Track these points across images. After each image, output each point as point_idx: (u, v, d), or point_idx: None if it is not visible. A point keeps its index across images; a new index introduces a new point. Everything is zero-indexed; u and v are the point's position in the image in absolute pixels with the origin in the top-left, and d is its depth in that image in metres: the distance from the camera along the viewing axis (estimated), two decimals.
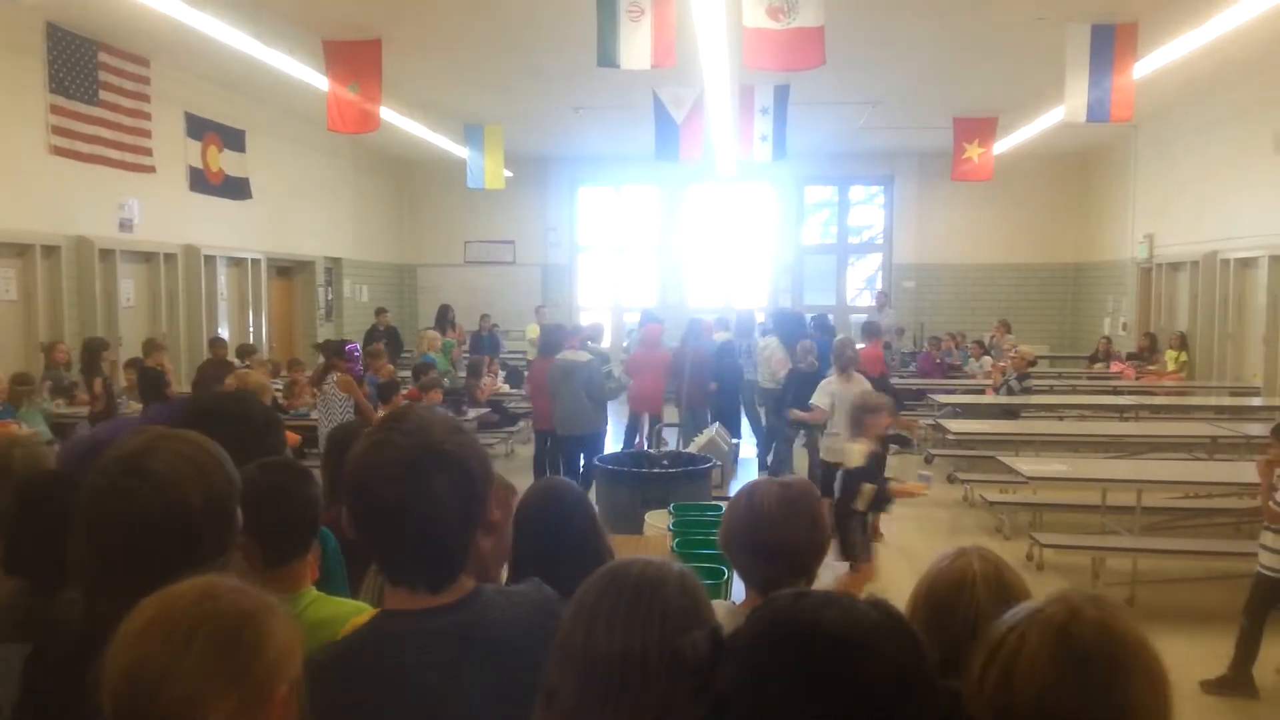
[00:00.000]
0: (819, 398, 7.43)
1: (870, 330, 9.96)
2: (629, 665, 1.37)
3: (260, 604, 1.26)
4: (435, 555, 1.51)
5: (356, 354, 9.94)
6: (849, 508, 5.20)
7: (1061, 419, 9.63)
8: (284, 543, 2.09)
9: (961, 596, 1.71)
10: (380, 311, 14.34)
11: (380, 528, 1.49)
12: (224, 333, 11.23)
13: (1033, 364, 10.19)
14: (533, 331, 14.30)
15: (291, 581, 2.07)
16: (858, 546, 5.15)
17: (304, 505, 2.14)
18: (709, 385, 9.94)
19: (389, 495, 1.46)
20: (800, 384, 8.56)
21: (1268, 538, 4.83)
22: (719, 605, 2.20)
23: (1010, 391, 9.77)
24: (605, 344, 12.36)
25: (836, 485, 7.25)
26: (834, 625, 1.11)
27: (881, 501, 5.33)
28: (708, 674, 1.13)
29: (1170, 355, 12.28)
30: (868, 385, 7.25)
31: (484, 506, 1.55)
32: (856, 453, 5.26)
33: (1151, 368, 12.50)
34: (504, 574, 2.34)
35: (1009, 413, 9.49)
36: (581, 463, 8.12)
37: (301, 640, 1.31)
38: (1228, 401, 10.29)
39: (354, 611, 1.94)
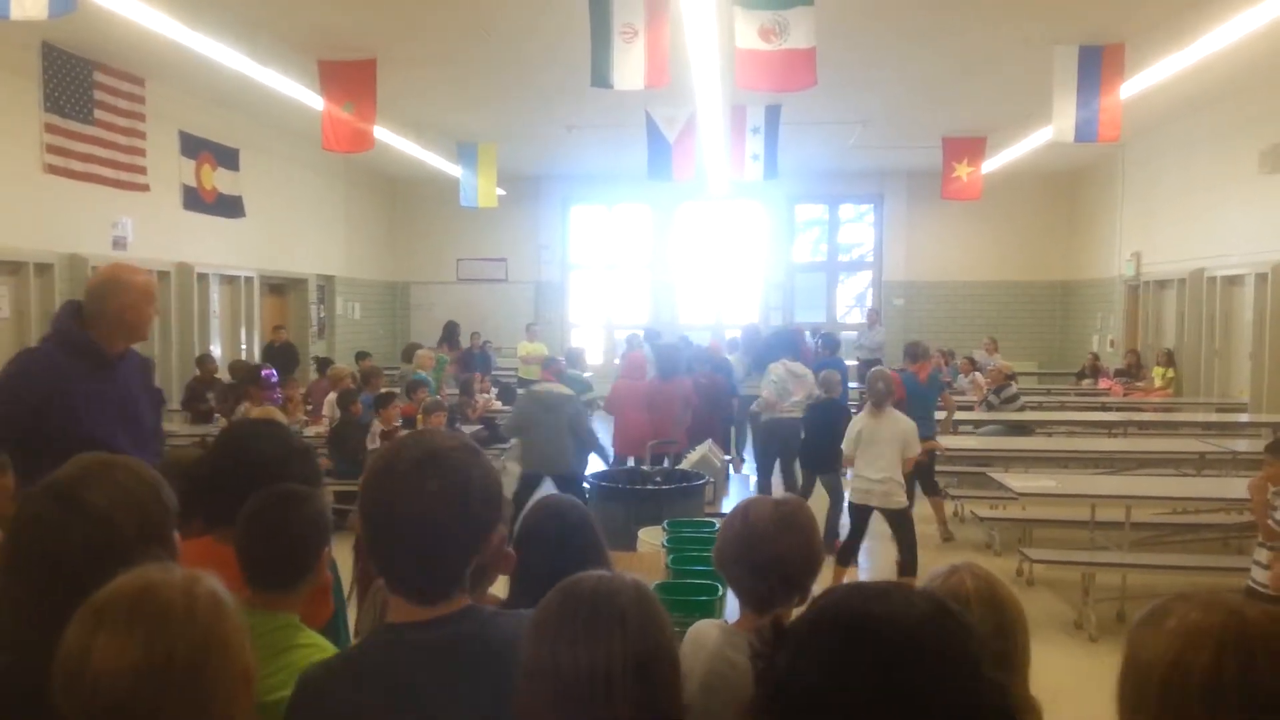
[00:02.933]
0: (846, 439, 6.61)
1: (915, 352, 8.55)
2: (595, 679, 1.39)
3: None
4: (428, 563, 1.53)
5: (274, 380, 9.39)
6: None
7: (1050, 435, 9.69)
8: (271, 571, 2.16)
9: None
10: (277, 328, 12.97)
11: (377, 532, 1.54)
12: (216, 350, 11.24)
13: (1011, 377, 10.21)
14: (524, 349, 14.32)
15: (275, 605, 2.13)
16: None
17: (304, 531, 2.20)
18: (713, 415, 9.25)
19: (385, 498, 1.51)
20: (821, 419, 7.90)
21: (1261, 554, 4.86)
22: (711, 623, 2.24)
23: (990, 407, 9.81)
24: (595, 365, 12.26)
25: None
26: (881, 614, 1.13)
27: None
28: (769, 659, 1.17)
29: (1158, 372, 12.37)
30: (906, 421, 6.44)
31: (485, 519, 1.57)
32: None
33: (1139, 384, 12.59)
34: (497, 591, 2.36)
35: (1019, 429, 9.48)
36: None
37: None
38: (1215, 418, 10.36)
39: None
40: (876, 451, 6.32)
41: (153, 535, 1.60)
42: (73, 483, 1.61)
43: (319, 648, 2.09)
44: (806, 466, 8.15)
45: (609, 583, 1.50)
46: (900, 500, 6.38)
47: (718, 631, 2.15)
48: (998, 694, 1.14)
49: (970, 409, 10.73)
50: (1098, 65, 8.44)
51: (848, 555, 6.56)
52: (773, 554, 2.09)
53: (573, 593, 1.49)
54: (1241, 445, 8.28)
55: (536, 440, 7.42)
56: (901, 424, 6.36)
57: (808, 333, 13.09)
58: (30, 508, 1.58)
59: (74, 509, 1.56)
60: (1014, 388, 10.02)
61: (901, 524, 6.40)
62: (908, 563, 6.24)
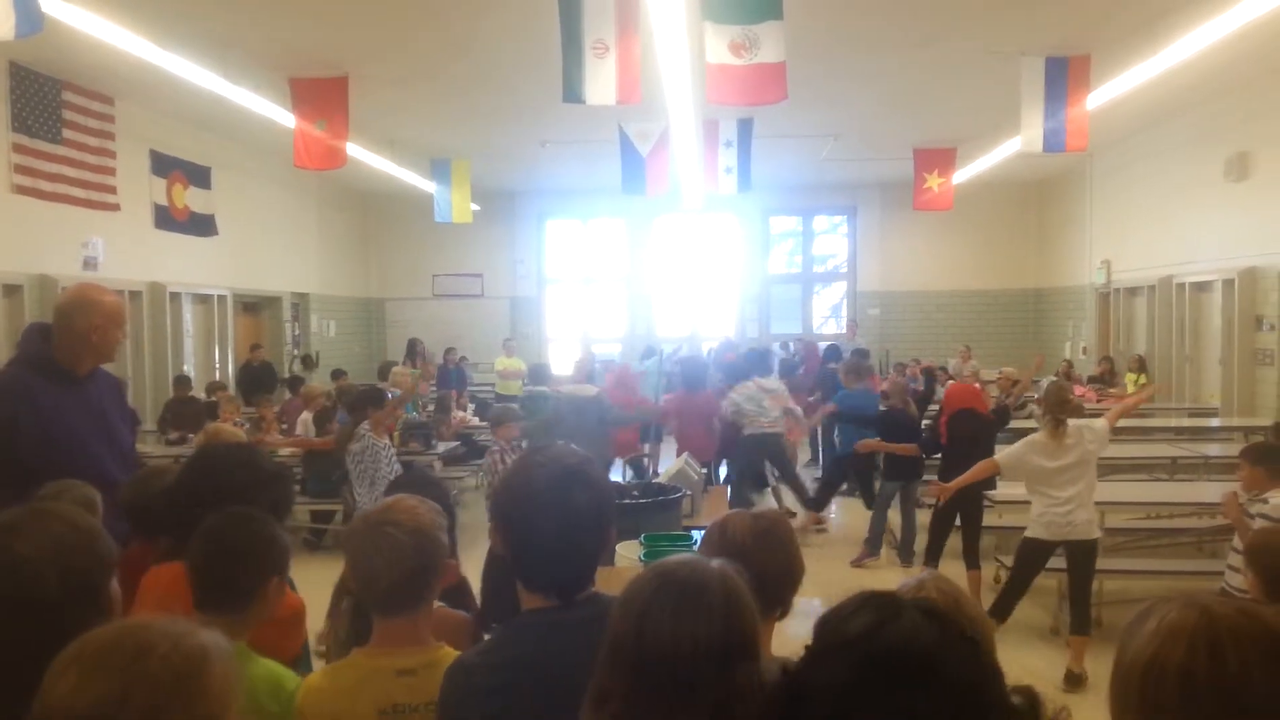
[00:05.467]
0: (1008, 465, 5.54)
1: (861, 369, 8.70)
2: (681, 664, 1.39)
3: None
4: (572, 564, 1.81)
5: None
6: None
7: None
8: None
9: None
10: (255, 347, 12.85)
11: (524, 542, 1.80)
12: (190, 370, 11.13)
13: (1015, 384, 10.24)
14: (501, 364, 14.28)
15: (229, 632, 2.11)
16: None
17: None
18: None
19: (533, 512, 1.79)
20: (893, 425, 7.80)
21: (1235, 558, 4.89)
22: None
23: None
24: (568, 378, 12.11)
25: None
26: (894, 639, 1.13)
27: None
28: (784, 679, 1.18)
29: (1130, 378, 12.48)
30: (1081, 425, 5.40)
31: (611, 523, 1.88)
32: None
33: (1112, 390, 12.69)
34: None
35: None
36: None
37: (238, 675, 1.32)
38: (1187, 423, 10.46)
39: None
40: (1074, 475, 5.27)
41: (79, 587, 1.57)
42: (1, 531, 1.58)
43: (270, 678, 2.07)
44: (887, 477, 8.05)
45: (703, 570, 1.49)
46: (1098, 528, 5.42)
47: None
48: (1031, 698, 1.15)
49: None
50: (1064, 76, 8.55)
51: (1003, 610, 5.47)
52: (752, 568, 2.06)
53: (666, 576, 1.48)
54: (1213, 449, 8.37)
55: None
56: (1085, 432, 5.34)
57: (836, 346, 12.77)
58: None
59: None
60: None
61: (1090, 561, 5.36)
62: (1081, 619, 5.28)
